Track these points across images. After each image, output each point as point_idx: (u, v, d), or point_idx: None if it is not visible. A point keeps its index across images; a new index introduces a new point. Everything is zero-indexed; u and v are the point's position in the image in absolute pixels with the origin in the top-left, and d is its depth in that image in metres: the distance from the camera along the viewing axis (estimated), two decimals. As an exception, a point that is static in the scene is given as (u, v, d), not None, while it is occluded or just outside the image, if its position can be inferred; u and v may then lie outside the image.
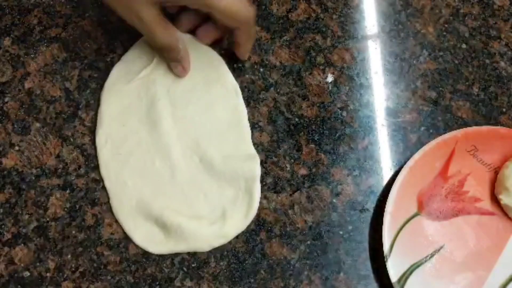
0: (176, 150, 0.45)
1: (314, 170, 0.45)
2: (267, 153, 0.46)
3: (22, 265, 0.42)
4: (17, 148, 0.46)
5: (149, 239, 0.42)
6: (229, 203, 0.43)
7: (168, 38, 0.44)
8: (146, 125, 0.46)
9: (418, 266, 0.41)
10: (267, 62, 0.49)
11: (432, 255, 0.42)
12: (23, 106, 0.47)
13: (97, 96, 0.47)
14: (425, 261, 0.42)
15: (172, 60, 0.47)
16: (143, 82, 0.47)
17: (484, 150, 0.45)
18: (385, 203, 0.42)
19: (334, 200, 0.44)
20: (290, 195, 0.44)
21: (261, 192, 0.44)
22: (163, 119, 0.46)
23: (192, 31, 0.48)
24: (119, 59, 0.49)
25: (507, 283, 0.41)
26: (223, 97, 0.47)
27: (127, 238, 0.43)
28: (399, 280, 0.40)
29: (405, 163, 0.44)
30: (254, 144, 0.46)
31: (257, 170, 0.44)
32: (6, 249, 0.42)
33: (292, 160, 0.46)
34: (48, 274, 0.41)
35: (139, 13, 0.42)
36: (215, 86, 0.47)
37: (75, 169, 0.45)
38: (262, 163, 0.45)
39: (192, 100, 0.47)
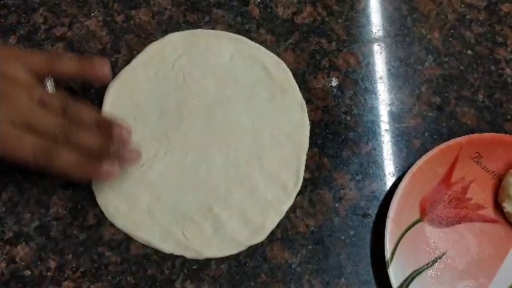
0: (215, 147, 0.45)
1: (317, 174, 0.45)
2: (270, 156, 0.46)
3: (23, 264, 0.42)
4: (20, 146, 0.45)
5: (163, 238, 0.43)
6: (252, 211, 0.43)
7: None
8: (170, 120, 0.46)
9: (420, 272, 0.41)
10: (271, 65, 0.49)
11: (434, 262, 0.42)
12: (27, 105, 0.47)
13: (100, 96, 0.47)
14: (427, 268, 0.42)
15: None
16: (170, 78, 0.48)
17: (488, 157, 0.45)
18: (388, 209, 0.42)
19: (336, 205, 0.44)
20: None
21: (263, 195, 0.44)
22: (196, 117, 0.46)
23: None
24: (123, 60, 0.49)
25: (509, 292, 0.41)
26: (287, 110, 0.47)
27: (128, 239, 0.43)
28: (400, 287, 0.40)
29: (408, 168, 0.44)
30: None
31: (292, 200, 0.44)
32: (7, 247, 0.42)
33: (295, 164, 0.46)
34: (49, 274, 0.41)
35: None
36: (280, 98, 0.47)
37: (77, 168, 0.45)
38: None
39: (253, 107, 0.47)
